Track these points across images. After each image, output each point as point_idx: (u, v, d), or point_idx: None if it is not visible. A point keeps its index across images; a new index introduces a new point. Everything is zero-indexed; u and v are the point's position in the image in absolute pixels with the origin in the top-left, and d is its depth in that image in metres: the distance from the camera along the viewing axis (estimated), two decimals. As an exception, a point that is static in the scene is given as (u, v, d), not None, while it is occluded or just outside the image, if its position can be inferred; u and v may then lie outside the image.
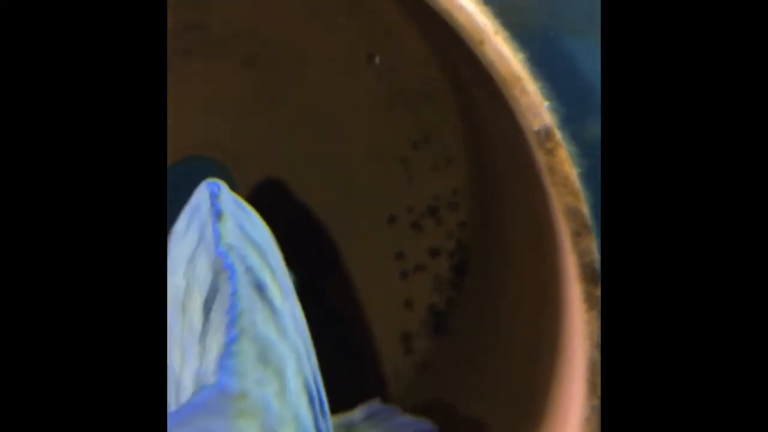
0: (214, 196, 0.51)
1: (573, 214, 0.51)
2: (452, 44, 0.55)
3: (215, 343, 0.44)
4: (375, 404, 0.62)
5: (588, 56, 0.75)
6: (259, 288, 0.45)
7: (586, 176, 0.53)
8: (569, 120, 0.55)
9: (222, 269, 0.45)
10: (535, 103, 0.50)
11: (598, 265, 0.51)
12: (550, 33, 0.75)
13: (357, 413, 0.61)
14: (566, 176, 0.51)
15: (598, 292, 0.52)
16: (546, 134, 0.50)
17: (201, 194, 0.53)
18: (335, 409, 0.63)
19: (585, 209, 0.51)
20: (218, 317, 0.44)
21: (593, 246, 0.51)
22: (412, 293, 0.77)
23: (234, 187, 0.77)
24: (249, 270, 0.45)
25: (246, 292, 0.44)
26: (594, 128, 0.73)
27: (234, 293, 0.44)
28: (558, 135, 0.51)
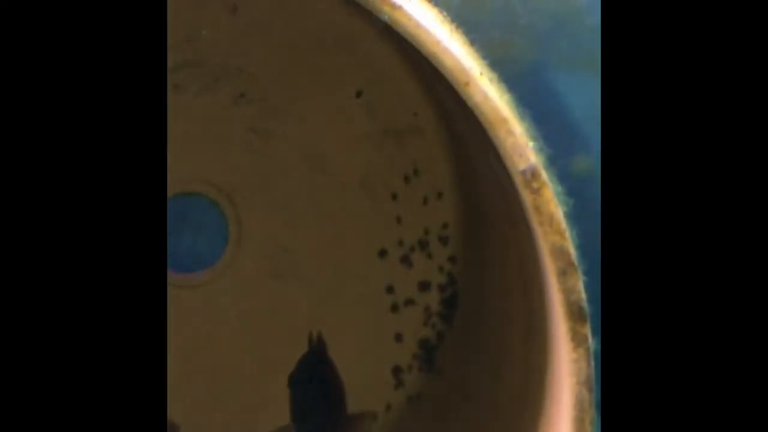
0: None
1: (559, 252, 0.51)
2: (440, 83, 0.55)
3: None
4: None
5: (576, 91, 0.75)
6: None
7: (572, 215, 0.53)
8: (556, 158, 0.55)
9: None
10: (520, 144, 0.50)
11: (584, 303, 0.52)
12: (538, 68, 0.75)
13: None
14: (552, 215, 0.51)
15: (585, 330, 0.52)
16: (532, 174, 0.51)
17: None
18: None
19: (571, 248, 0.51)
20: None
21: (579, 284, 0.52)
22: (402, 327, 0.77)
23: (225, 223, 0.77)
24: None
25: None
26: (581, 165, 0.74)
27: None
28: (544, 175, 0.51)
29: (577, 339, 0.52)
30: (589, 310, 0.52)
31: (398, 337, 0.77)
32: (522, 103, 0.55)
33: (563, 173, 0.55)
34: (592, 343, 0.53)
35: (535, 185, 0.51)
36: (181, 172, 0.74)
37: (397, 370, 0.77)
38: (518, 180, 0.51)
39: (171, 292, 0.75)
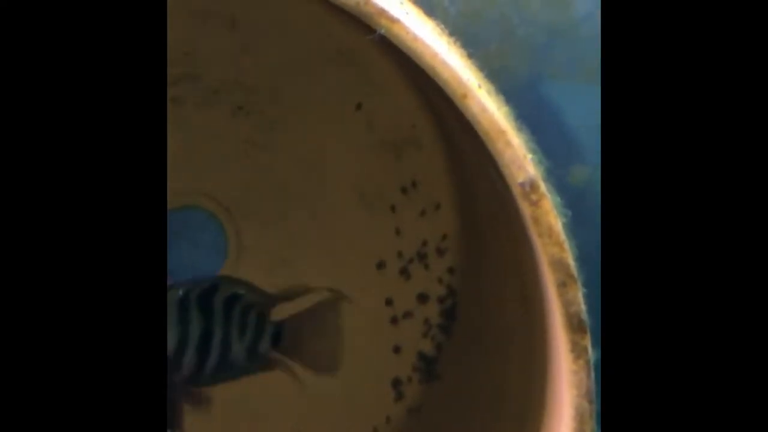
0: None
1: (558, 264, 0.51)
2: (438, 95, 0.55)
3: None
4: None
5: (573, 102, 0.75)
6: None
7: (571, 226, 0.53)
8: (554, 169, 0.55)
9: None
10: (518, 156, 0.50)
11: (584, 315, 0.52)
12: (535, 80, 0.75)
13: None
14: (551, 227, 0.51)
15: (585, 341, 0.52)
16: (530, 186, 0.51)
17: None
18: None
19: (570, 260, 0.51)
20: None
21: (579, 296, 0.52)
22: (401, 339, 0.77)
23: (224, 236, 0.77)
24: None
25: None
26: (579, 176, 0.74)
27: None
28: (542, 187, 0.51)
29: (577, 351, 0.52)
30: (588, 322, 0.52)
31: (397, 350, 0.77)
32: (519, 114, 0.55)
33: (561, 184, 0.55)
34: (593, 354, 0.53)
35: (533, 197, 0.51)
36: (179, 185, 0.74)
37: (396, 383, 0.77)
38: (517, 192, 0.51)
39: (170, 306, 0.75)
